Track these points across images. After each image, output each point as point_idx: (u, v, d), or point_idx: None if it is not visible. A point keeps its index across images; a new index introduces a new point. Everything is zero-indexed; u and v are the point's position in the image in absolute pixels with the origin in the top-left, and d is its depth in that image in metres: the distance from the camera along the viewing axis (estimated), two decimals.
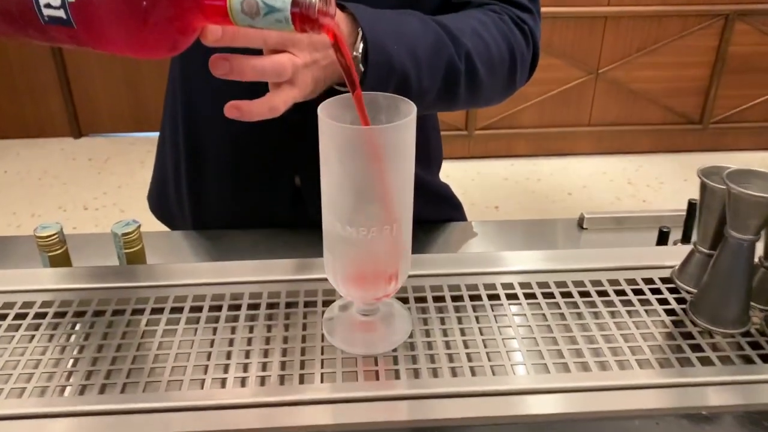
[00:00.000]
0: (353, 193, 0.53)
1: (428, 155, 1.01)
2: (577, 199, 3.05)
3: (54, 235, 0.77)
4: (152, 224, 1.08)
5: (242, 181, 0.92)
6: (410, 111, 0.53)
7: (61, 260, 0.78)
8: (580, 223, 0.99)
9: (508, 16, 0.79)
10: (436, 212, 1.00)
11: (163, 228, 1.07)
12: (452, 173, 3.23)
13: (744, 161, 3.33)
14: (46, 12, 0.45)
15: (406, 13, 0.70)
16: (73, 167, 3.35)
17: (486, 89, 0.77)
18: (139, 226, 0.79)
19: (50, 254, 0.77)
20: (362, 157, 0.51)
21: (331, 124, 0.50)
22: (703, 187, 0.64)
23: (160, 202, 1.07)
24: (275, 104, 0.56)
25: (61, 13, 0.44)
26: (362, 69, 0.63)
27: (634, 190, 3.12)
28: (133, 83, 3.59)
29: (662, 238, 0.90)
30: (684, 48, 3.19)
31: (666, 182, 3.19)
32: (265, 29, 0.47)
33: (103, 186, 3.16)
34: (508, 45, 0.77)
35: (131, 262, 0.79)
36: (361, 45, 0.62)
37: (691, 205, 0.89)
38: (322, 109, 0.52)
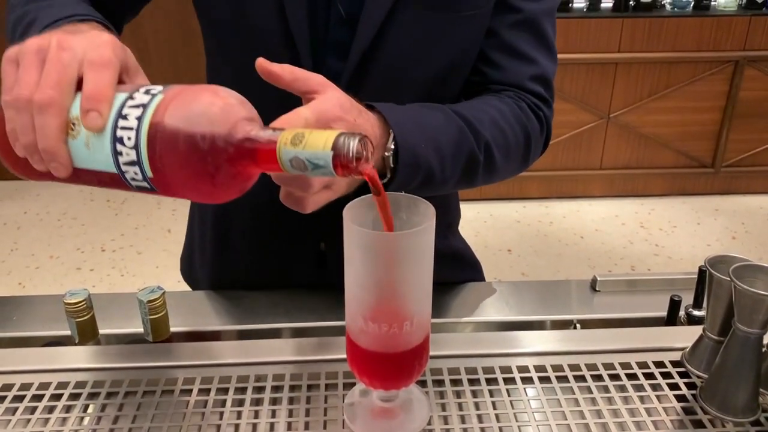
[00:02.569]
0: (376, 292, 0.56)
1: (447, 220, 1.04)
2: (590, 243, 3.06)
3: (82, 302, 0.80)
4: (170, 275, 1.12)
5: (267, 247, 0.95)
6: (429, 213, 0.56)
7: (88, 325, 0.81)
8: (593, 285, 1.01)
9: (525, 103, 0.83)
10: (454, 274, 1.02)
11: (185, 287, 1.10)
12: (465, 215, 3.24)
13: (757, 204, 3.34)
14: (134, 183, 0.53)
15: (430, 107, 0.75)
16: (92, 208, 3.42)
17: (501, 173, 0.82)
18: (164, 293, 0.82)
19: (78, 320, 0.80)
20: (384, 260, 0.54)
21: (356, 229, 0.53)
22: (710, 278, 0.66)
23: (189, 267, 1.10)
24: (305, 205, 0.60)
25: (144, 184, 0.52)
26: (392, 166, 0.67)
27: (647, 234, 3.13)
28: None
29: (673, 307, 0.92)
30: (694, 93, 3.23)
31: (679, 226, 3.20)
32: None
33: (121, 227, 3.22)
34: (524, 132, 0.81)
35: (155, 327, 0.81)
36: (392, 145, 0.66)
37: (702, 272, 0.91)
38: (347, 212, 0.55)
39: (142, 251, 3.00)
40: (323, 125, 0.57)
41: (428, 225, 0.54)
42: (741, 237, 3.11)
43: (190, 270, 1.09)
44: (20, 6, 0.73)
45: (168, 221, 3.25)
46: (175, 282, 1.11)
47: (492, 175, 0.80)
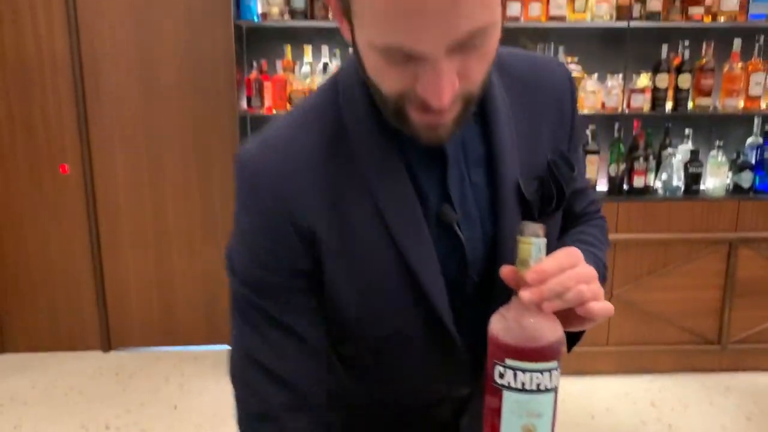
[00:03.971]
0: None
1: None
2: (601, 423, 3.01)
3: None
4: None
5: None
6: None
7: None
8: None
9: (601, 224, 1.02)
10: None
11: None
12: None
13: (767, 383, 3.30)
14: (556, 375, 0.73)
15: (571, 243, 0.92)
16: (99, 383, 3.41)
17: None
18: None
19: None
20: None
21: None
22: None
23: None
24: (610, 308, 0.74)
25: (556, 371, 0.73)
26: None
27: (659, 413, 3.08)
28: (166, 295, 3.76)
29: None
30: (693, 271, 3.32)
31: (691, 405, 3.15)
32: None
33: (127, 403, 3.19)
34: (607, 248, 0.99)
35: None
36: None
37: None
38: None
39: (146, 429, 2.96)
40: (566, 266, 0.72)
41: None
42: (756, 417, 3.05)
43: None
44: None
45: (175, 397, 3.23)
46: None
47: None
